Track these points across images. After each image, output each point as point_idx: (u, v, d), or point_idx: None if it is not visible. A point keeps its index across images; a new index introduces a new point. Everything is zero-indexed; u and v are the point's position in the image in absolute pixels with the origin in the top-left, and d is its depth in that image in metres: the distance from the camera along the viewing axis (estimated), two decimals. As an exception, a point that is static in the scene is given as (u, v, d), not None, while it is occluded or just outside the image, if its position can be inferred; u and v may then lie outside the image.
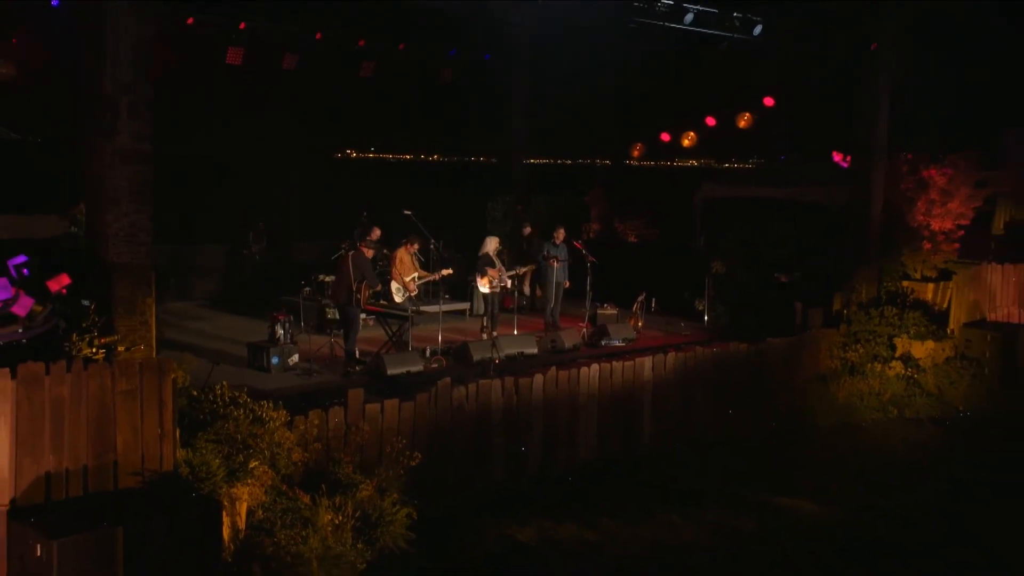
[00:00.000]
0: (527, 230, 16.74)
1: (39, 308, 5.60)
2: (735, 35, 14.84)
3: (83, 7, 8.53)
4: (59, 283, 5.79)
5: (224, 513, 7.58)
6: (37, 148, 17.66)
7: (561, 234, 15.23)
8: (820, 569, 9.59)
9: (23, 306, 5.32)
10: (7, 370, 6.61)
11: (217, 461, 7.95)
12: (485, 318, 14.61)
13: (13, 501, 6.68)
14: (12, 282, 5.27)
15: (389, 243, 14.24)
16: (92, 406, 7.09)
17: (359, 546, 8.51)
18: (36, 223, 12.00)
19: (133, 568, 6.61)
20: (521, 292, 16.01)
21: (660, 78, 20.19)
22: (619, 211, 21.07)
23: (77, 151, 17.54)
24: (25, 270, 5.54)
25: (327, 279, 14.33)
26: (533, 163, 21.56)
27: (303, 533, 8.24)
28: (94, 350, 7.52)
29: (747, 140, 22.55)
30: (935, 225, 16.11)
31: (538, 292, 16.04)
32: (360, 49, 17.64)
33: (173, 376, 7.64)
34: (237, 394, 8.69)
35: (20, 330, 5.39)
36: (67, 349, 7.28)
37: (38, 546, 6.35)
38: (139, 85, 8.54)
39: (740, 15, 14.52)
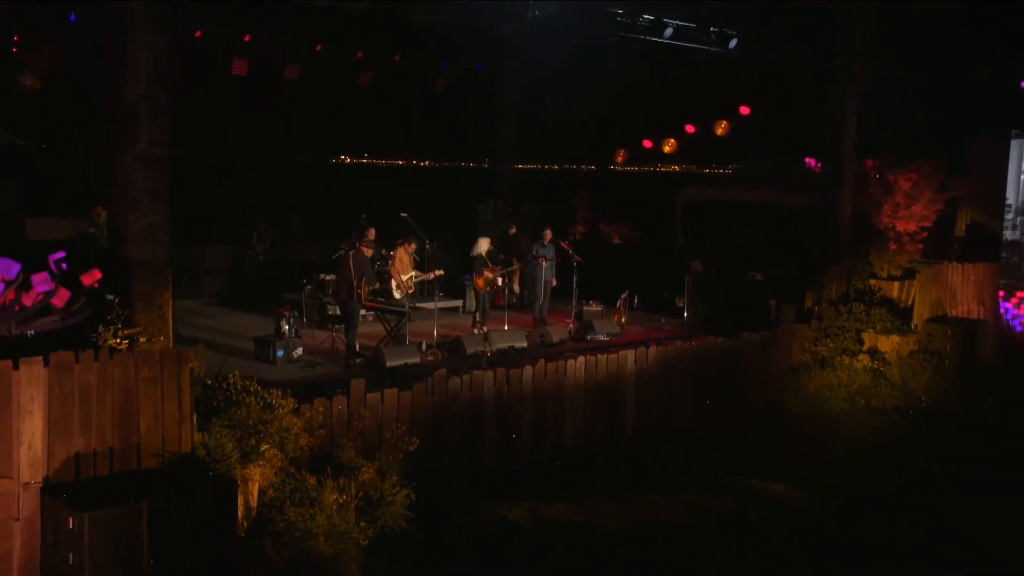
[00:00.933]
0: (512, 230, 16.87)
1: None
2: (712, 48, 14.99)
3: (106, 22, 8.65)
4: (92, 277, 6.02)
5: (238, 492, 7.74)
6: (39, 152, 17.71)
7: (548, 235, 15.35)
8: (789, 544, 9.67)
9: (61, 298, 5.58)
10: (40, 358, 6.81)
11: (231, 444, 8.08)
12: (477, 314, 14.72)
13: (46, 479, 6.91)
14: (52, 276, 5.52)
15: (386, 243, 14.33)
16: (117, 392, 7.30)
17: (362, 524, 8.63)
18: (56, 224, 12.16)
19: (157, 540, 6.84)
20: (511, 290, 16.09)
21: (642, 88, 20.14)
22: (604, 214, 21.15)
23: (81, 155, 17.67)
24: (64, 264, 5.79)
25: (328, 277, 14.45)
26: (522, 168, 21.45)
27: (310, 511, 8.30)
28: (118, 341, 7.67)
29: (725, 146, 22.44)
30: (900, 227, 16.18)
31: (518, 289, 16.13)
32: (358, 59, 17.76)
33: (190, 365, 7.86)
34: (248, 383, 8.76)
35: (58, 319, 5.65)
36: (93, 339, 7.46)
37: (70, 519, 6.58)
38: (157, 94, 8.63)
39: (716, 30, 14.72)
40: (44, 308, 5.45)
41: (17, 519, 6.77)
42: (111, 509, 6.67)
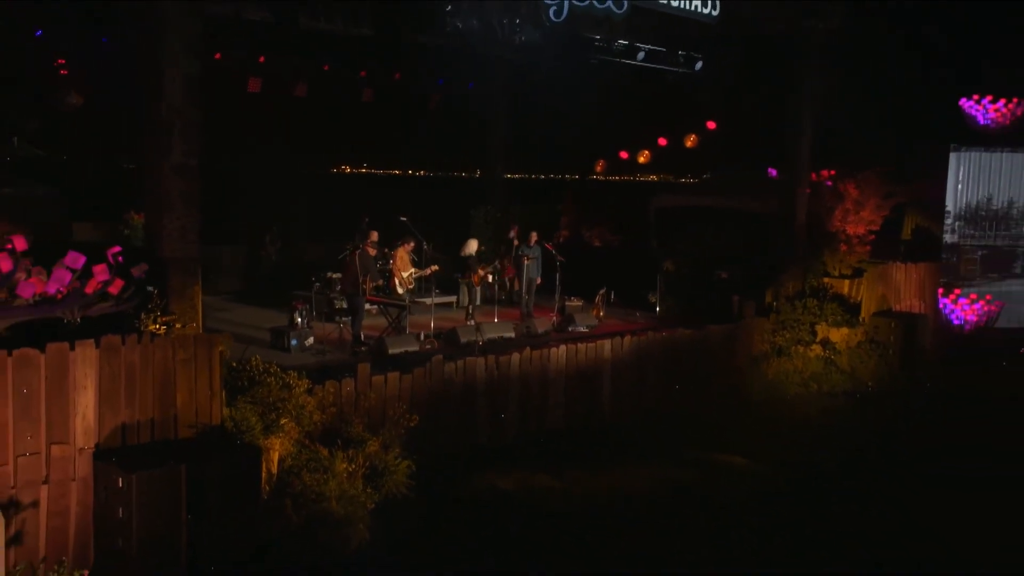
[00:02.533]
0: (513, 231, 16.55)
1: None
2: (680, 69, 15.25)
3: (145, 49, 8.93)
4: (140, 270, 6.45)
5: (261, 459, 8.05)
6: (77, 164, 17.83)
7: (534, 237, 15.43)
8: (745, 508, 10.04)
9: (116, 287, 6.03)
10: (92, 341, 7.15)
11: (255, 418, 8.39)
12: (470, 307, 14.86)
13: (97, 445, 7.27)
14: (109, 268, 5.98)
15: (387, 244, 14.34)
16: (157, 371, 7.63)
17: (368, 490, 8.89)
18: (92, 228, 12.37)
19: (194, 498, 7.21)
20: (502, 286, 16.16)
21: (619, 104, 20.12)
22: (586, 219, 21.06)
23: (113, 166, 17.83)
24: (120, 258, 6.24)
25: (334, 275, 14.41)
26: (510, 177, 21.42)
27: (324, 478, 8.59)
28: (157, 327, 8.05)
29: (694, 157, 22.40)
30: (850, 230, 16.44)
31: (516, 285, 15.91)
32: (361, 78, 17.75)
33: (220, 349, 8.16)
34: (268, 365, 9.09)
35: (112, 305, 6.11)
36: (136, 325, 7.85)
37: (120, 479, 6.95)
38: (188, 111, 8.94)
39: (684, 53, 15.00)
40: (102, 295, 5.91)
41: (73, 479, 7.12)
42: (154, 471, 7.03)
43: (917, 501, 10.62)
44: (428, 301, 13.84)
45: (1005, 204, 18.21)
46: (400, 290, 13.65)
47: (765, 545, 9.14)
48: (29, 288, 5.59)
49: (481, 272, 14.96)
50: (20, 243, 5.67)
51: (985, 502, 10.56)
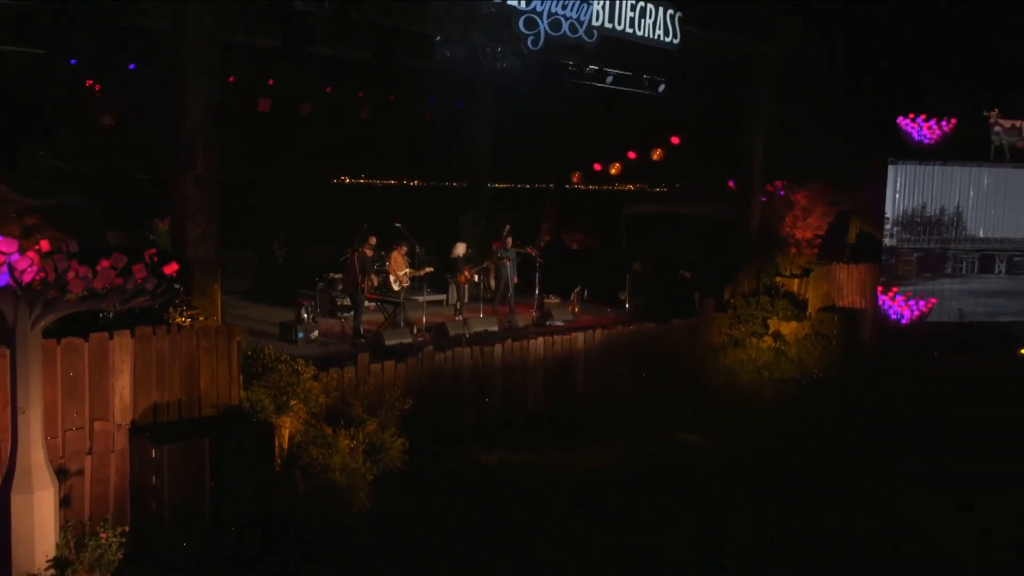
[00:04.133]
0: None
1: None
2: (645, 91, 15.65)
3: (171, 76, 9.20)
4: (171, 268, 6.85)
5: (274, 435, 8.40)
6: (107, 177, 17.87)
7: (509, 241, 15.55)
8: (702, 480, 10.31)
9: (151, 283, 6.48)
10: (127, 331, 7.60)
11: (268, 399, 8.72)
12: (458, 304, 15.09)
13: (132, 422, 7.66)
14: (145, 267, 6.41)
15: (384, 247, 14.47)
16: (183, 358, 8.01)
17: (367, 464, 9.13)
18: (121, 235, 12.55)
19: (216, 467, 7.59)
20: (486, 286, 16.33)
21: (591, 121, 20.23)
22: (565, 224, 21.29)
23: (139, 178, 17.94)
24: (155, 258, 6.66)
25: (336, 276, 14.61)
26: (495, 186, 21.63)
27: (328, 452, 8.81)
28: (183, 319, 8.38)
29: (660, 169, 22.63)
30: (799, 235, 16.83)
31: (493, 285, 15.97)
32: (360, 98, 17.91)
33: (237, 339, 8.53)
34: (279, 353, 9.41)
35: (148, 299, 6.53)
36: (165, 318, 8.21)
37: (152, 451, 7.35)
38: (209, 130, 9.22)
39: (648, 77, 15.39)
40: (139, 290, 6.34)
41: (112, 451, 7.52)
42: (182, 443, 7.43)
43: (845, 470, 10.99)
44: (421, 299, 14.03)
45: (937, 212, 18.39)
46: (396, 287, 13.84)
47: (717, 506, 9.55)
48: (79, 285, 6.03)
49: (467, 273, 15.16)
50: (74, 246, 6.13)
51: (905, 468, 11.08)
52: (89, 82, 14.21)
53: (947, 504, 9.92)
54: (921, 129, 18.86)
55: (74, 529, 6.62)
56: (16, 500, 6.22)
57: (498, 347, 11.89)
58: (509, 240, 15.58)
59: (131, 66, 12.99)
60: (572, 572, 7.93)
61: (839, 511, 9.61)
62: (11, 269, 5.88)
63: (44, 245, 6.23)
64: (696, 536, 8.79)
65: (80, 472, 7.31)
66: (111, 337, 7.47)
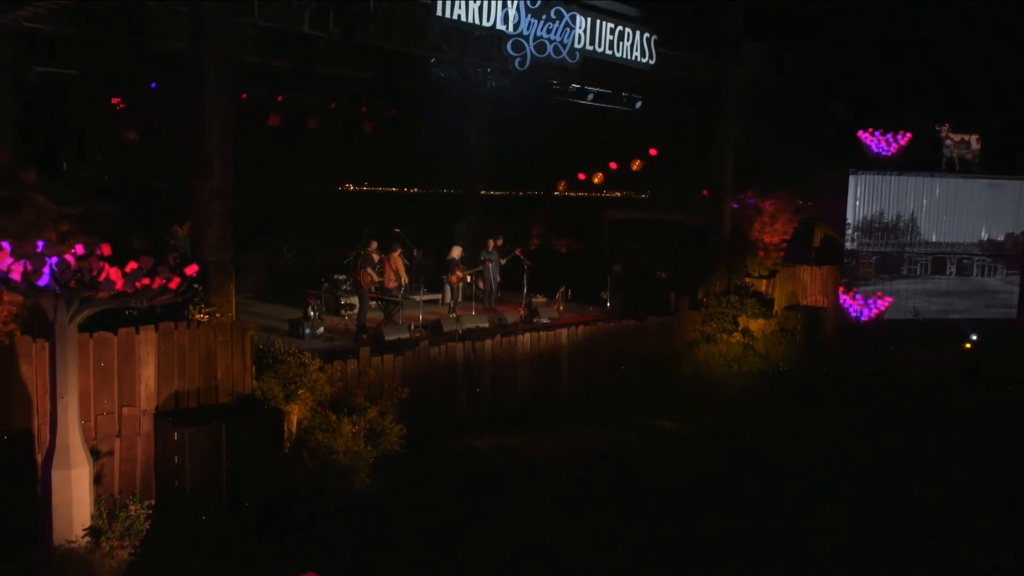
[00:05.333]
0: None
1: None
2: (624, 107, 15.87)
3: (192, 94, 9.45)
4: (192, 270, 7.19)
5: (284, 420, 8.68)
6: (129, 187, 17.99)
7: (491, 244, 15.68)
8: (673, 461, 10.67)
9: (174, 283, 6.81)
10: (152, 326, 7.93)
11: (278, 388, 9.00)
12: (452, 302, 15.20)
13: (157, 408, 7.98)
14: (170, 268, 6.75)
15: (384, 250, 14.38)
16: (202, 350, 8.30)
17: (368, 448, 9.36)
18: (147, 238, 12.78)
19: (232, 449, 7.88)
20: (478, 287, 16.38)
21: (576, 135, 20.37)
22: (553, 230, 21.20)
23: (158, 188, 18.03)
24: (178, 260, 6.99)
25: (340, 277, 14.76)
26: (487, 194, 21.55)
27: (333, 436, 9.06)
28: (202, 316, 8.69)
29: (639, 178, 22.94)
30: (767, 239, 16.91)
31: (481, 285, 15.91)
32: (363, 114, 18.03)
33: (250, 334, 8.85)
34: (288, 347, 9.67)
35: (171, 297, 6.87)
36: (186, 314, 8.52)
37: (175, 433, 7.66)
38: (225, 146, 9.48)
39: (626, 95, 15.64)
40: (164, 289, 6.69)
41: (139, 434, 7.85)
42: (202, 427, 7.73)
43: (792, 447, 11.51)
44: (418, 298, 14.24)
45: (894, 218, 18.73)
46: (393, 284, 13.93)
47: (681, 481, 10.00)
48: (111, 285, 6.38)
49: (459, 273, 15.29)
50: (106, 249, 6.49)
51: (844, 444, 11.66)
52: (115, 100, 14.43)
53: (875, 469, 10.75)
54: (879, 142, 19.20)
55: (106, 502, 6.96)
56: (56, 476, 6.57)
57: (488, 342, 12.01)
58: (491, 244, 15.71)
59: (153, 85, 13.21)
60: (561, 544, 8.22)
61: (781, 479, 10.28)
62: (51, 271, 6.23)
63: (79, 249, 6.60)
64: (660, 503, 9.34)
65: (110, 452, 7.63)
66: (137, 331, 7.78)
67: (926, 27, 20.78)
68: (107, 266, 6.50)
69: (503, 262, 15.49)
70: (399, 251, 14.37)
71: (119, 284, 6.49)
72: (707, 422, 12.44)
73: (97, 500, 6.94)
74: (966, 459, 11.44)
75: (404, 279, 14.04)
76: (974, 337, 18.12)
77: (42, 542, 6.67)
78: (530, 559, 7.87)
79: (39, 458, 7.05)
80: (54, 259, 6.26)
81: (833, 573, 7.96)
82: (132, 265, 6.59)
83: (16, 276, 6.15)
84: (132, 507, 7.03)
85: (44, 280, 6.24)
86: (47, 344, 6.71)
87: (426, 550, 7.90)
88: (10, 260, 6.16)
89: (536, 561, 7.84)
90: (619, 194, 26.73)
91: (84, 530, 6.74)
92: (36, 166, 8.06)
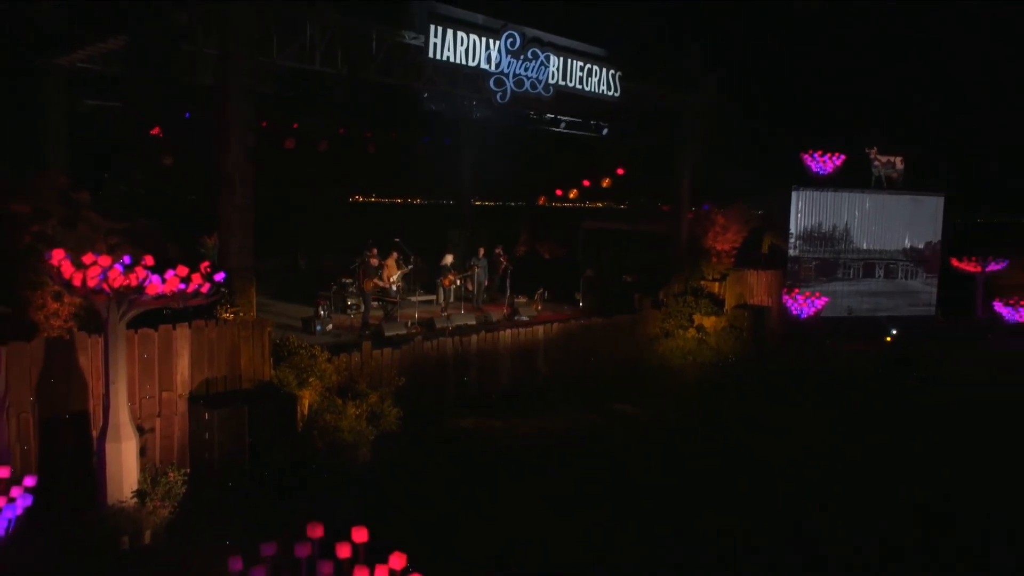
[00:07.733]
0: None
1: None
2: (592, 133, 16.31)
3: (217, 123, 9.83)
4: (220, 276, 7.67)
5: (297, 404, 9.04)
6: (165, 202, 18.20)
7: (482, 251, 15.91)
8: (633, 439, 11.05)
9: (205, 288, 7.32)
10: (186, 324, 8.34)
11: (292, 376, 9.41)
12: (444, 303, 15.38)
13: (190, 392, 8.37)
14: (202, 275, 7.25)
15: (383, 257, 14.40)
16: (228, 343, 8.69)
17: (369, 428, 9.68)
18: (175, 251, 13.10)
19: (253, 428, 8.25)
20: (467, 288, 16.60)
21: (552, 156, 20.86)
22: (537, 237, 21.70)
23: (190, 204, 18.26)
24: (209, 268, 7.48)
25: (347, 280, 14.81)
26: (478, 204, 21.93)
27: (339, 417, 9.43)
28: (228, 314, 9.13)
29: (610, 193, 23.54)
30: (719, 247, 17.37)
31: (471, 287, 16.08)
32: (367, 136, 18.36)
33: (268, 330, 9.20)
34: (301, 342, 10.06)
35: (204, 299, 7.35)
36: (215, 313, 8.97)
37: (206, 414, 8.08)
38: (246, 167, 9.91)
39: (594, 122, 16.13)
40: (197, 293, 7.18)
41: (176, 415, 8.26)
42: (228, 409, 8.14)
43: (735, 425, 11.90)
44: (414, 299, 14.52)
45: (831, 228, 19.21)
46: (390, 283, 14.11)
47: (643, 458, 10.40)
48: (154, 288, 6.91)
49: (451, 276, 15.52)
50: (149, 260, 7.01)
51: (788, 429, 12.04)
52: (154, 131, 14.74)
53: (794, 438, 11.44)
54: (818, 162, 19.68)
55: (149, 471, 7.43)
56: (109, 448, 7.07)
57: (474, 337, 12.28)
58: (481, 251, 16.02)
59: (187, 115, 13.55)
60: (528, 498, 8.79)
61: (721, 451, 10.82)
62: (105, 277, 6.77)
63: (126, 259, 7.12)
64: (612, 464, 9.97)
65: (152, 430, 8.04)
66: (174, 328, 8.21)
67: (861, 63, 21.37)
68: (150, 274, 7.01)
69: (504, 261, 15.61)
70: (394, 257, 14.59)
71: (162, 289, 7.00)
72: (662, 405, 12.81)
73: (142, 469, 7.37)
74: (861, 414, 12.47)
75: (387, 283, 14.13)
76: (894, 332, 18.57)
77: (98, 503, 7.15)
78: (505, 503, 8.59)
79: (94, 434, 7.48)
80: (108, 268, 6.76)
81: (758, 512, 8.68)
82: (171, 273, 7.10)
83: (76, 283, 6.66)
84: (171, 474, 7.48)
85: (99, 285, 6.74)
86: (101, 339, 7.13)
87: (416, 506, 8.37)
88: (72, 269, 6.68)
89: (511, 503, 8.58)
90: (600, 204, 27.05)
91: (132, 493, 7.21)
92: (87, 187, 8.49)
